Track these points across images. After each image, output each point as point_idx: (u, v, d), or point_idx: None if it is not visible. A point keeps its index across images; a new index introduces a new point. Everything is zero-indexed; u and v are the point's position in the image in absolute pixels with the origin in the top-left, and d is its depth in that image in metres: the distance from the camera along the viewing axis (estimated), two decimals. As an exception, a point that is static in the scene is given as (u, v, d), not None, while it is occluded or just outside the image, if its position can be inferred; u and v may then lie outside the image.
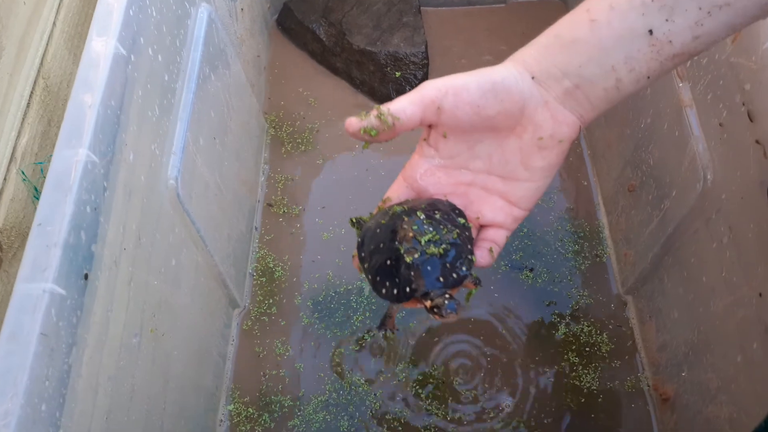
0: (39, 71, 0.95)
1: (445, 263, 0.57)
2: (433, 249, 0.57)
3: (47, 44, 0.97)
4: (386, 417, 1.14)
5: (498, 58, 0.59)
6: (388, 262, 0.58)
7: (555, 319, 1.22)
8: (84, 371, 0.66)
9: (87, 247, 0.66)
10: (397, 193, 0.64)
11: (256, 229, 1.34)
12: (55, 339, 0.60)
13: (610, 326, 1.20)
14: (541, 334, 1.21)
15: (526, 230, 1.31)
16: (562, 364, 1.17)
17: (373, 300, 1.25)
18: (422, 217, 0.58)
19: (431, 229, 0.58)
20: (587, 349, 1.18)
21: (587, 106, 0.56)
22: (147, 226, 0.82)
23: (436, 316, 0.56)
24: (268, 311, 1.25)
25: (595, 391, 1.14)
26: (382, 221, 0.61)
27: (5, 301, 0.82)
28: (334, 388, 1.17)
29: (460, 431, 1.12)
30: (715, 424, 0.91)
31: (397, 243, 0.58)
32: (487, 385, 1.16)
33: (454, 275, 0.57)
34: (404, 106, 0.57)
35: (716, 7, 0.49)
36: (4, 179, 0.86)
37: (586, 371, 1.16)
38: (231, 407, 1.15)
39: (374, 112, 0.56)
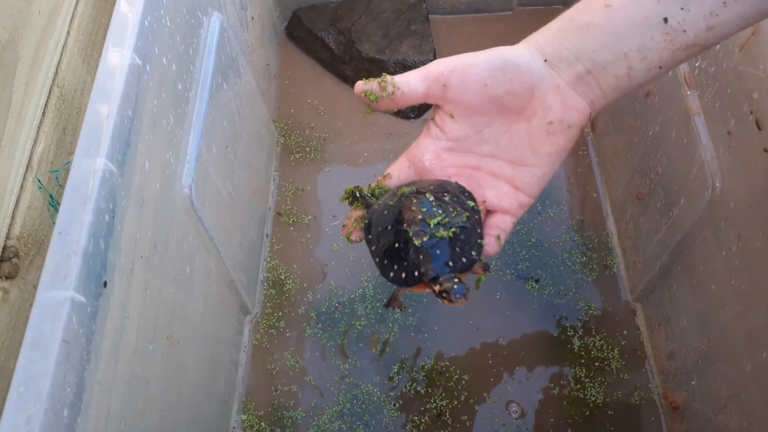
0: (54, 80, 0.96)
1: (454, 247, 0.56)
2: (442, 232, 0.56)
3: (62, 53, 0.98)
4: (405, 425, 1.14)
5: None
6: (397, 245, 0.57)
7: (566, 330, 1.22)
8: (101, 378, 0.66)
9: (105, 255, 0.67)
10: (398, 171, 0.63)
11: (267, 236, 1.35)
12: (75, 346, 0.60)
13: (619, 335, 1.20)
14: (549, 344, 1.21)
15: (534, 240, 1.32)
16: (570, 375, 1.17)
17: (379, 306, 1.26)
18: (431, 199, 0.57)
19: (440, 211, 0.57)
20: (596, 363, 1.18)
21: (598, 93, 0.56)
22: (162, 233, 0.83)
23: (445, 301, 0.55)
24: (276, 324, 1.25)
25: (605, 400, 1.14)
26: (390, 203, 0.60)
27: (23, 307, 0.83)
28: (347, 398, 1.17)
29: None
30: (725, 432, 0.92)
31: (405, 225, 0.56)
32: (496, 397, 1.16)
33: (464, 260, 0.56)
34: (408, 79, 0.57)
35: None
36: (21, 187, 0.87)
37: (592, 385, 1.16)
38: (244, 417, 1.16)
39: (379, 79, 0.57)
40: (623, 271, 1.27)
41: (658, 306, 1.14)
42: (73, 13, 1.02)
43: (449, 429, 1.14)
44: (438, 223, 0.56)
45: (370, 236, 0.60)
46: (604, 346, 1.19)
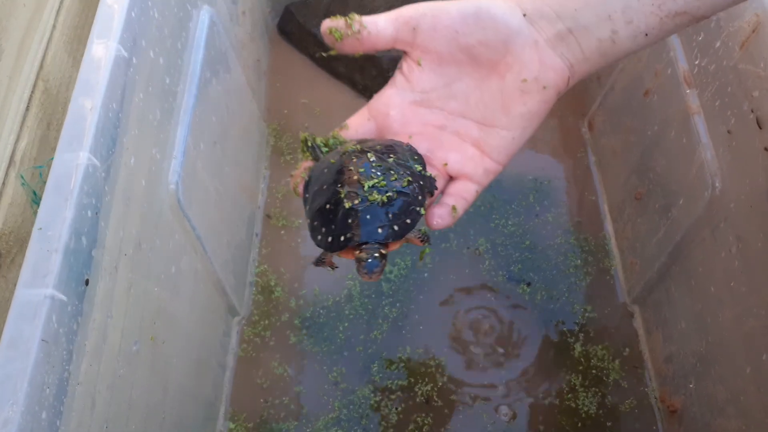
0: (38, 74, 0.93)
1: (387, 212, 0.52)
2: (375, 196, 0.52)
3: (47, 47, 0.96)
4: (406, 427, 1.13)
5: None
6: (328, 206, 0.53)
7: (563, 335, 1.20)
8: (83, 379, 0.64)
9: (88, 252, 0.64)
10: (357, 123, 0.60)
11: (256, 235, 1.32)
12: (55, 346, 0.58)
13: (616, 338, 1.18)
14: (545, 348, 1.19)
15: (528, 243, 1.30)
16: (565, 382, 1.16)
17: (368, 302, 1.24)
18: (372, 159, 0.54)
19: (379, 173, 0.53)
20: (593, 371, 1.16)
21: (579, 56, 0.52)
22: (147, 231, 0.81)
23: (360, 273, 0.51)
24: (263, 333, 1.22)
25: (599, 408, 1.13)
26: (332, 160, 0.56)
27: (4, 307, 0.80)
28: (343, 404, 1.15)
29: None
30: (724, 437, 0.90)
31: (339, 186, 0.53)
32: (490, 400, 1.15)
33: (396, 227, 0.52)
34: (377, 20, 0.54)
35: None
36: (3, 183, 0.84)
37: (586, 394, 1.13)
38: (231, 426, 1.13)
39: (347, 16, 0.54)
40: (621, 272, 1.25)
41: (656, 308, 1.12)
42: (59, 6, 1.00)
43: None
44: (373, 186, 0.52)
45: (307, 195, 0.57)
46: (606, 356, 1.17)
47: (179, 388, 0.94)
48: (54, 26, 0.98)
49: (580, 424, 1.12)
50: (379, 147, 0.56)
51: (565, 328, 1.20)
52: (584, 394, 1.13)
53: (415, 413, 1.13)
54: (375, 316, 1.23)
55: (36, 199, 0.89)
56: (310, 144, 0.61)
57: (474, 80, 0.55)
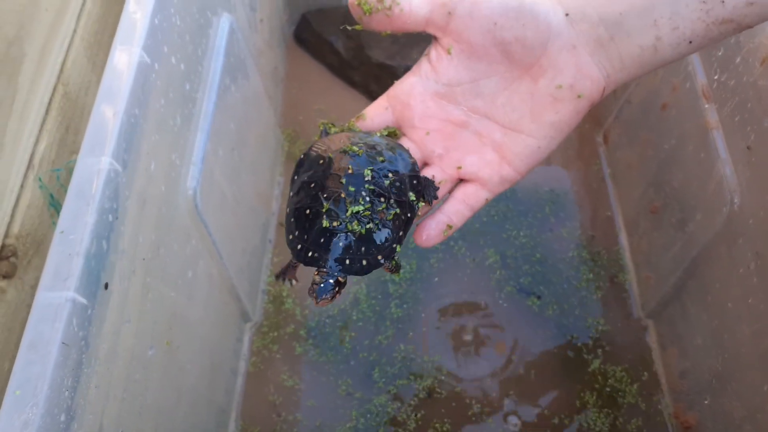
0: (59, 78, 0.94)
1: (359, 246, 0.50)
2: (355, 226, 0.50)
3: (67, 51, 0.96)
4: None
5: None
6: (308, 211, 0.51)
7: (577, 349, 1.19)
8: (100, 382, 0.64)
9: (108, 257, 0.65)
10: (374, 113, 0.57)
11: (269, 242, 1.32)
12: (75, 349, 0.58)
13: (629, 352, 1.18)
14: (557, 364, 1.19)
15: (539, 256, 1.29)
16: (578, 399, 1.15)
17: (376, 304, 1.23)
18: (368, 178, 0.51)
19: (368, 199, 0.50)
20: (608, 389, 1.15)
21: (617, 64, 0.50)
22: (165, 236, 0.81)
23: (309, 293, 0.50)
24: (270, 346, 1.21)
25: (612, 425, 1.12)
26: (330, 154, 0.54)
27: (20, 308, 0.80)
28: (360, 413, 1.14)
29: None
30: (740, 454, 0.89)
31: (324, 195, 0.51)
32: (496, 409, 1.14)
33: (363, 262, 0.50)
34: None
35: None
36: (22, 186, 0.85)
37: (598, 415, 1.13)
38: (243, 425, 1.13)
39: None
40: (635, 286, 1.24)
41: (671, 323, 1.11)
42: (80, 11, 1.00)
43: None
44: (356, 213, 0.50)
45: (295, 177, 0.55)
46: (624, 379, 1.15)
47: (192, 394, 0.94)
48: (75, 31, 0.99)
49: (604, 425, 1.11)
50: (382, 160, 0.53)
51: (578, 342, 1.19)
52: (596, 413, 1.13)
53: (435, 418, 1.13)
54: (383, 318, 1.23)
55: (53, 202, 0.90)
56: (326, 131, 0.60)
57: (504, 80, 0.53)
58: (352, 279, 1.22)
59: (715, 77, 0.96)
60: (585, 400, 1.14)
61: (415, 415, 1.13)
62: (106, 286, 0.64)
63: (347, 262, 0.50)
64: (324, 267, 0.50)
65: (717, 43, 0.50)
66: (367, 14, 0.52)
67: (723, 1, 0.46)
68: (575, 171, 1.39)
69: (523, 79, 0.52)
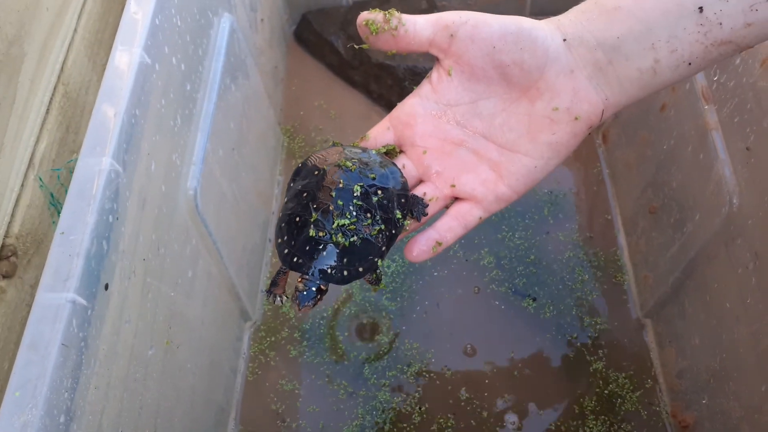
0: (59, 77, 0.94)
1: (342, 257, 0.52)
2: (339, 238, 0.52)
3: (68, 51, 0.96)
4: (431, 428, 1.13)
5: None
6: (298, 218, 0.54)
7: (576, 348, 1.20)
8: (99, 383, 0.64)
9: (108, 257, 0.65)
10: (377, 133, 0.59)
11: (269, 240, 1.33)
12: (74, 350, 0.58)
13: (627, 352, 1.18)
14: (554, 363, 1.19)
15: (533, 257, 1.29)
16: (576, 404, 1.15)
17: (370, 295, 1.24)
18: (357, 194, 0.54)
19: (354, 214, 0.53)
20: (606, 392, 1.15)
21: (615, 88, 0.50)
22: (165, 236, 0.81)
23: (291, 299, 0.52)
24: (267, 351, 1.21)
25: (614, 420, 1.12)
26: (325, 167, 0.56)
27: (20, 308, 0.81)
28: (366, 411, 1.15)
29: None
30: (737, 454, 0.90)
31: (314, 205, 0.53)
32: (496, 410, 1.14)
33: (344, 273, 0.52)
34: (416, 19, 0.53)
35: None
36: (22, 185, 0.85)
37: (595, 422, 1.13)
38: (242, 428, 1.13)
39: (386, 11, 0.53)
40: (633, 286, 1.24)
41: (669, 323, 1.12)
42: (81, 10, 1.00)
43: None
44: (341, 226, 0.53)
45: (291, 183, 0.58)
46: (627, 386, 1.15)
47: (191, 393, 0.94)
48: (75, 30, 0.99)
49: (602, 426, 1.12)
50: (373, 176, 0.55)
51: (577, 342, 1.19)
52: (594, 422, 1.13)
53: (439, 413, 1.14)
54: (378, 309, 1.23)
55: (53, 202, 0.90)
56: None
57: (502, 101, 0.54)
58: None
59: (715, 78, 0.96)
60: (584, 404, 1.14)
61: (420, 409, 1.14)
62: (107, 286, 0.64)
63: (329, 271, 0.52)
64: (307, 273, 0.52)
65: (718, 62, 0.50)
66: (374, 34, 0.53)
67: (721, 23, 0.46)
68: (574, 171, 1.39)
69: (521, 100, 0.53)
